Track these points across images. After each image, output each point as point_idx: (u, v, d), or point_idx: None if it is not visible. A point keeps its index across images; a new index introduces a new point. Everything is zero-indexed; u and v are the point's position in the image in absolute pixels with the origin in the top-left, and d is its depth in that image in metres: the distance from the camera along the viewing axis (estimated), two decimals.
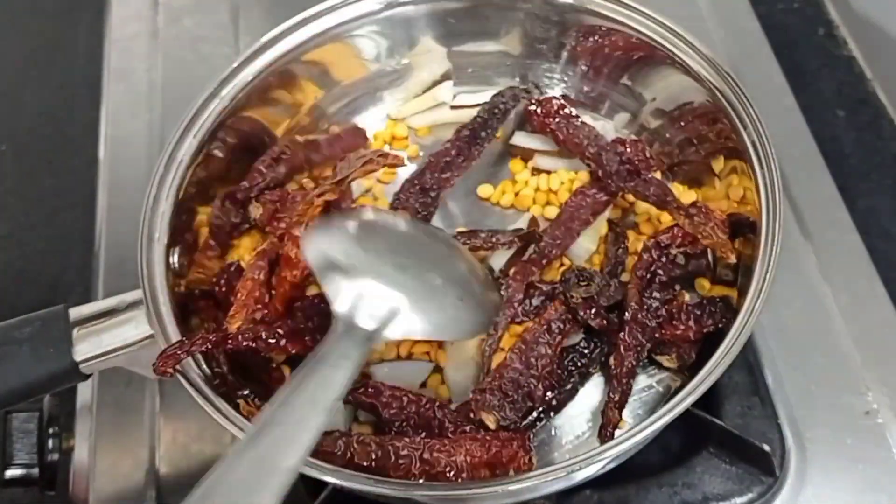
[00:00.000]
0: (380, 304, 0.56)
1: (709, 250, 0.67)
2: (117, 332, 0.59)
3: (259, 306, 0.63)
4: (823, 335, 0.69)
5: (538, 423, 0.64)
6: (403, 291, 0.58)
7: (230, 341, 0.60)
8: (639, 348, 0.63)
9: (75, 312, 0.59)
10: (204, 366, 0.60)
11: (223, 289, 0.66)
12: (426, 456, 0.58)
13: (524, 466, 0.58)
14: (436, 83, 0.78)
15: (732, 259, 0.63)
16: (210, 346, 0.59)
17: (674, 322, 0.64)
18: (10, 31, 0.97)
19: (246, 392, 0.61)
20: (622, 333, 0.63)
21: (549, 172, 0.73)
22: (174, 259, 0.64)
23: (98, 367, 0.59)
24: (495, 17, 0.75)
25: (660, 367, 0.65)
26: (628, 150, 0.69)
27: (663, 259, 0.66)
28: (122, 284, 0.66)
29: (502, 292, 0.66)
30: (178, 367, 0.57)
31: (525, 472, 0.58)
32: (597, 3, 0.70)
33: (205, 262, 0.68)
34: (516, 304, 0.65)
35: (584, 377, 0.65)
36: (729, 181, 0.67)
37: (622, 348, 0.62)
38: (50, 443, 0.64)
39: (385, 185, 0.75)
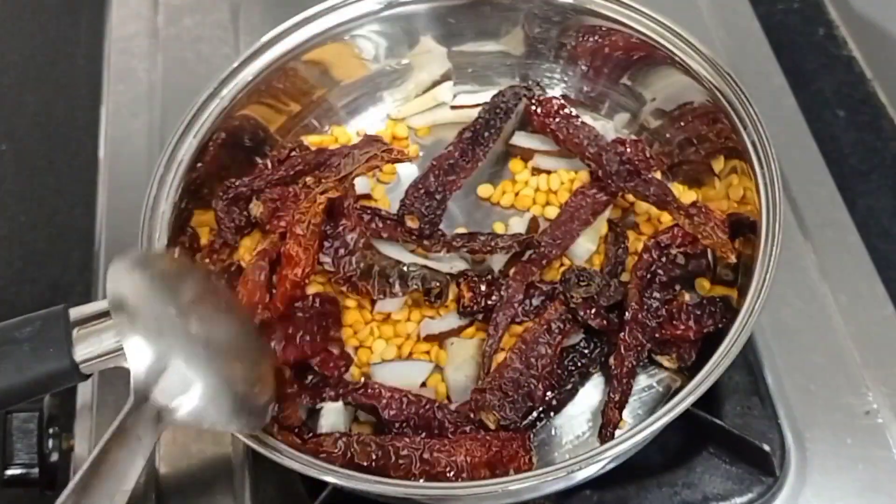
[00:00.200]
0: (181, 383, 0.51)
1: (709, 250, 0.67)
2: (118, 332, 0.59)
3: (260, 308, 0.63)
4: (823, 335, 0.70)
5: (538, 422, 0.64)
6: (204, 375, 0.51)
7: None
8: (639, 348, 0.63)
9: (75, 312, 0.59)
10: None
11: None
12: (426, 456, 0.58)
13: (524, 466, 0.59)
14: (436, 83, 0.78)
15: (732, 259, 0.63)
16: None
17: (674, 322, 0.64)
18: (10, 30, 0.97)
19: None
20: (622, 333, 0.63)
21: (549, 172, 0.73)
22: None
23: (98, 367, 0.58)
24: (495, 16, 0.75)
25: (660, 366, 0.66)
26: (628, 150, 0.69)
27: (663, 259, 0.66)
28: None
29: (502, 293, 0.66)
30: None
31: (525, 471, 0.58)
32: (597, 3, 0.70)
33: (209, 265, 0.67)
34: (516, 305, 0.65)
35: (584, 377, 0.65)
36: (729, 181, 0.67)
37: (622, 348, 0.63)
38: (50, 443, 0.64)
39: (385, 185, 0.75)
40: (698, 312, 0.64)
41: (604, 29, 0.72)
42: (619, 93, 0.75)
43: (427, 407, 0.61)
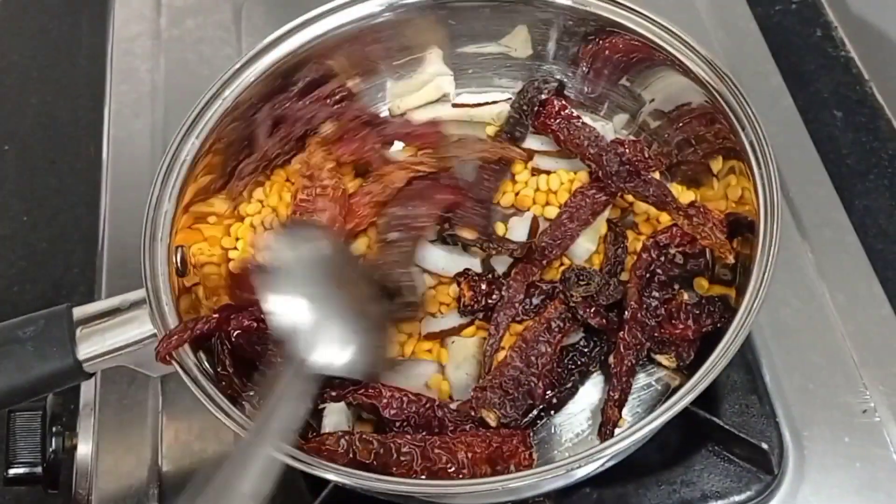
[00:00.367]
0: (334, 344, 0.58)
1: (707, 250, 0.67)
2: (120, 331, 0.59)
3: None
4: (821, 334, 0.70)
5: (538, 421, 0.64)
6: (353, 336, 0.59)
7: (232, 321, 0.60)
8: (638, 347, 0.63)
9: (79, 312, 0.59)
10: (206, 365, 0.60)
11: None
12: (427, 453, 0.58)
13: (525, 462, 0.59)
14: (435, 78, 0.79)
15: (730, 259, 0.63)
16: (212, 327, 0.60)
17: (673, 321, 0.64)
18: (12, 31, 0.98)
19: (251, 393, 0.61)
20: (622, 332, 0.63)
21: (548, 173, 0.74)
22: (176, 259, 0.64)
23: (101, 366, 0.59)
24: (496, 19, 0.75)
25: (659, 365, 0.66)
26: (628, 150, 0.69)
27: (662, 258, 0.66)
28: (125, 284, 0.67)
29: (503, 292, 0.66)
30: (178, 358, 0.58)
31: (526, 467, 0.58)
32: (596, 5, 0.71)
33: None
34: (517, 304, 0.66)
35: (584, 376, 0.65)
36: (727, 181, 0.67)
37: (622, 347, 0.63)
38: (53, 441, 0.65)
39: None
40: (697, 312, 0.64)
41: (603, 31, 0.72)
42: (618, 94, 0.75)
43: (427, 406, 0.62)
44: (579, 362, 0.65)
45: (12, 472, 0.63)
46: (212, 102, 0.68)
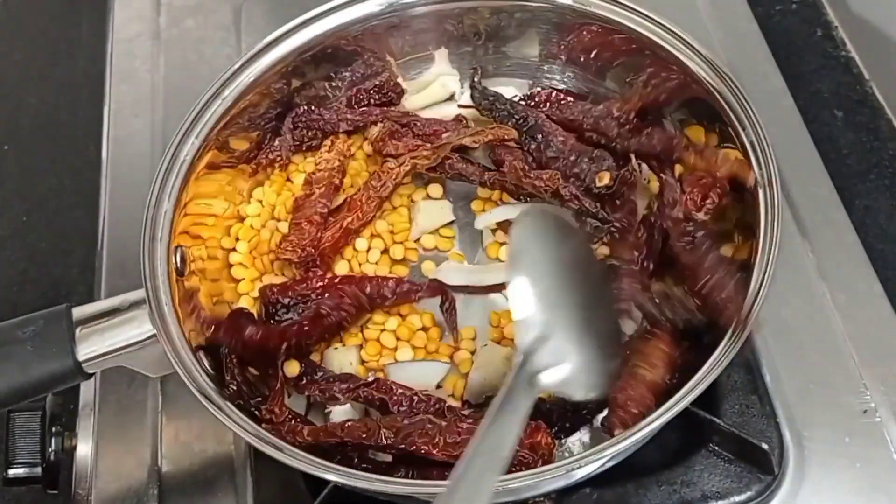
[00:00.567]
0: (556, 355, 0.51)
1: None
2: (120, 331, 0.59)
3: (307, 243, 0.67)
4: (821, 334, 0.70)
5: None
6: (577, 350, 0.53)
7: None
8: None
9: (78, 312, 0.60)
10: (206, 365, 0.60)
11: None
12: (448, 437, 0.58)
13: (546, 447, 0.58)
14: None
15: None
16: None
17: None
18: (12, 31, 0.98)
19: (259, 399, 0.61)
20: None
21: None
22: (176, 259, 0.64)
23: (101, 366, 0.59)
24: (496, 19, 0.75)
25: None
26: (619, 111, 0.70)
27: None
28: (125, 284, 0.67)
29: None
30: (178, 357, 0.58)
31: (546, 452, 0.58)
32: (597, 5, 0.71)
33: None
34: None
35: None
36: None
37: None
38: (52, 442, 0.64)
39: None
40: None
41: (604, 30, 0.72)
42: (618, 94, 0.75)
43: (437, 407, 0.62)
44: None
45: (12, 472, 0.63)
46: (211, 102, 0.68)
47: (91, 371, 0.59)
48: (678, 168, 0.68)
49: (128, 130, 0.84)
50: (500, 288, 0.70)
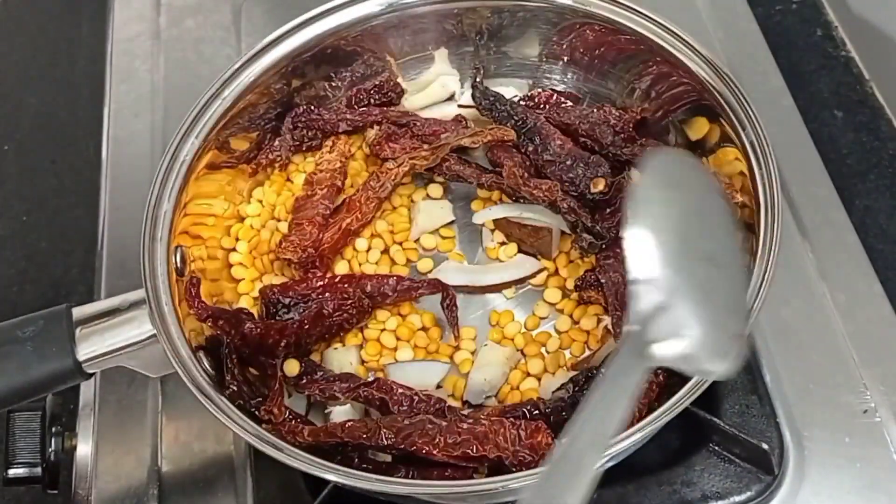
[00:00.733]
0: (676, 326, 0.47)
1: None
2: (120, 331, 0.59)
3: (308, 243, 0.67)
4: (821, 334, 0.70)
5: None
6: (699, 322, 0.47)
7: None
8: None
9: (78, 312, 0.59)
10: (206, 365, 0.60)
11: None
12: (449, 437, 0.58)
13: (546, 447, 0.58)
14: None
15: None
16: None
17: None
18: (12, 31, 0.98)
19: (259, 399, 0.61)
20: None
21: None
22: (176, 259, 0.64)
23: (101, 366, 0.59)
24: (496, 19, 0.75)
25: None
26: (616, 120, 0.71)
27: None
28: (125, 284, 0.67)
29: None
30: (178, 357, 0.58)
31: (547, 451, 0.58)
32: (596, 5, 0.71)
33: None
34: None
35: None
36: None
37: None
38: (52, 442, 0.64)
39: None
40: None
41: (603, 30, 0.72)
42: (618, 93, 0.75)
43: (437, 407, 0.62)
44: None
45: (12, 472, 0.63)
46: (211, 102, 0.68)
47: (91, 371, 0.59)
48: None
49: (128, 130, 0.84)
50: (500, 288, 0.70)
